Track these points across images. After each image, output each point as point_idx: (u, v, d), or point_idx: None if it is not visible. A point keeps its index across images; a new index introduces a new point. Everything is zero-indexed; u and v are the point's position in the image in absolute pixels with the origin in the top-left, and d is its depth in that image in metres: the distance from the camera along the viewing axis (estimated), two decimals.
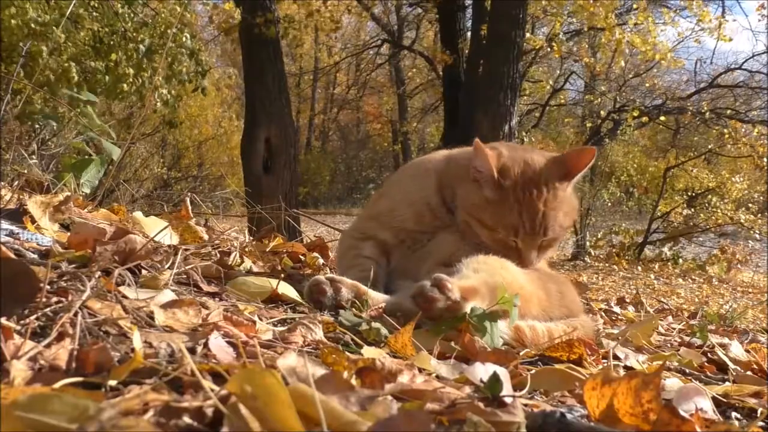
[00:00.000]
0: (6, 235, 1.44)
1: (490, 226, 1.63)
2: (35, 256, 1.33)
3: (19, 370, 0.72)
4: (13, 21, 4.65)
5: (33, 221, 1.58)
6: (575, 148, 1.73)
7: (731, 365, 1.57)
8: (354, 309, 1.36)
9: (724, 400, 1.22)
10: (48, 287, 0.99)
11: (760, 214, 13.96)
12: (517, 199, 1.60)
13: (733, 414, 1.16)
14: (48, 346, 0.79)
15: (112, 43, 5.58)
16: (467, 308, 1.31)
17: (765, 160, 13.53)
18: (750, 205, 14.66)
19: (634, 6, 11.35)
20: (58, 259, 1.26)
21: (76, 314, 0.88)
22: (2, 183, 2.24)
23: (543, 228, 1.61)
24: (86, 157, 2.59)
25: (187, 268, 1.42)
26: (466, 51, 11.58)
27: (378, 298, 1.47)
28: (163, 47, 5.60)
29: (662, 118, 14.39)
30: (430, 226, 1.76)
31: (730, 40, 10.89)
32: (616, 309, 2.96)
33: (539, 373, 1.16)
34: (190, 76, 6.19)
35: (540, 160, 1.66)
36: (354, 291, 1.43)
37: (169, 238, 1.67)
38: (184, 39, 5.92)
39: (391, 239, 1.78)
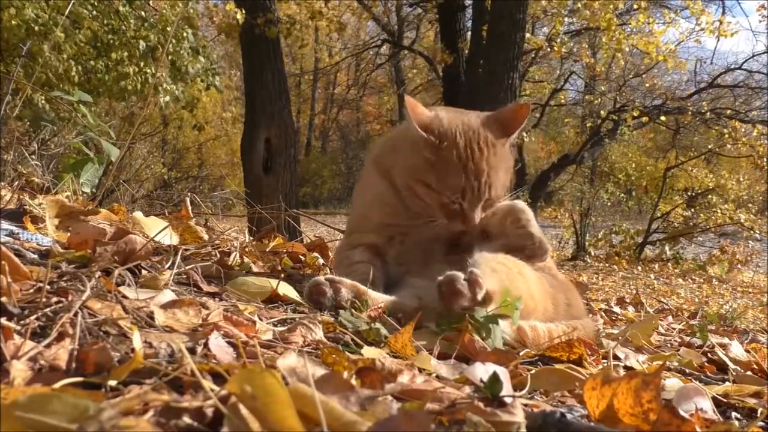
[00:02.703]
0: (6, 235, 1.44)
1: (436, 189, 1.60)
2: (35, 256, 1.33)
3: (19, 370, 0.72)
4: (13, 21, 4.66)
5: (35, 222, 1.58)
6: (509, 105, 1.74)
7: (731, 365, 1.57)
8: (354, 309, 1.36)
9: (724, 400, 1.22)
10: (48, 287, 0.99)
11: (759, 214, 13.96)
12: (460, 160, 1.57)
13: (733, 414, 1.16)
14: (48, 346, 0.79)
15: (111, 42, 5.58)
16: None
17: (765, 160, 13.54)
18: (750, 205, 14.65)
19: (635, 6, 11.35)
20: (58, 259, 1.27)
21: (76, 314, 0.88)
22: (2, 183, 2.24)
23: (488, 187, 1.59)
24: (85, 156, 2.59)
25: (187, 268, 1.42)
26: (466, 51, 11.58)
27: (378, 298, 1.46)
28: (165, 45, 5.60)
29: (662, 118, 14.40)
30: (401, 216, 1.73)
31: (732, 35, 10.91)
32: (616, 309, 2.97)
33: (539, 373, 1.16)
34: (199, 74, 6.17)
35: (477, 120, 1.65)
36: (353, 291, 1.43)
37: (169, 238, 1.66)
38: (185, 35, 5.91)
39: (377, 239, 1.76)
